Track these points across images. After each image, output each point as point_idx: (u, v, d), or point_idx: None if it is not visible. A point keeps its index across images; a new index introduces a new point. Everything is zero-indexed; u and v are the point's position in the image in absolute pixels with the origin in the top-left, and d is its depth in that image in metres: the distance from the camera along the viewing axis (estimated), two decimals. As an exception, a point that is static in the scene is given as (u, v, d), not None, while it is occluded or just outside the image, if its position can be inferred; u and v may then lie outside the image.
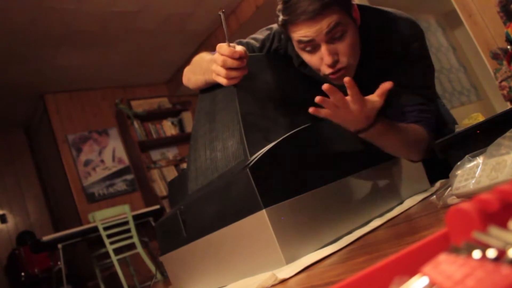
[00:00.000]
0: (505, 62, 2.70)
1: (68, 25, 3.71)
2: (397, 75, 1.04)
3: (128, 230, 3.55)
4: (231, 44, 0.85)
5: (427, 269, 0.25)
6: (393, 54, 1.02)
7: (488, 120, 0.78)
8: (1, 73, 4.08)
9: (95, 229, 3.47)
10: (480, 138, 0.76)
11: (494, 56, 2.84)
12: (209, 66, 0.93)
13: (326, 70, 0.96)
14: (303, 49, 0.97)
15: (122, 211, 3.56)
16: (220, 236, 0.80)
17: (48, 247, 3.51)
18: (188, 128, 5.49)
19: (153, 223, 3.95)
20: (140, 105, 5.38)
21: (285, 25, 0.96)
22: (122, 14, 3.83)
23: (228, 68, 0.84)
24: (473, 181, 0.62)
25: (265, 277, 0.63)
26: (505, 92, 2.72)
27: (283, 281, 0.61)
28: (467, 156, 0.68)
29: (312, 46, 0.94)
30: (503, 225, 0.25)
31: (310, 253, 0.72)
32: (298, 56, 1.05)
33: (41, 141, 5.23)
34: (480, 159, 0.64)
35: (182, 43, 4.74)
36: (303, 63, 1.08)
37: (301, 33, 0.92)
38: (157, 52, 4.78)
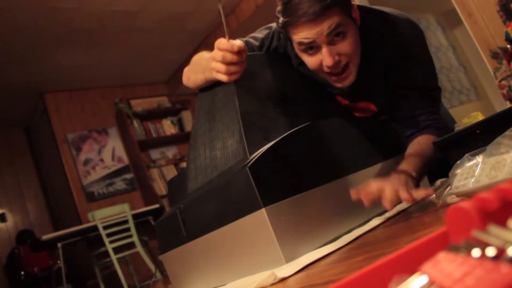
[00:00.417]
0: (504, 61, 2.70)
1: (68, 25, 3.71)
2: (402, 78, 1.04)
3: (128, 229, 3.55)
4: (230, 40, 0.85)
5: (426, 268, 0.25)
6: (394, 55, 1.02)
7: (487, 119, 0.78)
8: (1, 72, 4.08)
9: (95, 228, 3.47)
10: (480, 137, 0.76)
11: (494, 55, 2.84)
12: (209, 64, 0.93)
13: (327, 72, 0.96)
14: (304, 51, 0.96)
15: (122, 210, 3.56)
16: (220, 235, 0.80)
17: (48, 246, 3.51)
18: (188, 127, 5.49)
19: (152, 222, 3.95)
20: (139, 104, 5.38)
21: (285, 27, 0.95)
22: (122, 14, 3.83)
23: (228, 64, 0.84)
24: (472, 180, 0.62)
25: (265, 276, 0.63)
26: (504, 91, 2.73)
27: (283, 280, 0.61)
28: (466, 155, 0.68)
29: (313, 47, 0.94)
30: (502, 223, 0.25)
31: (309, 252, 0.72)
32: (297, 56, 1.05)
33: (40, 140, 5.23)
34: (479, 158, 0.64)
35: (182, 42, 4.74)
36: (302, 62, 1.08)
37: (302, 35, 0.92)
38: (157, 51, 4.77)
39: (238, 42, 0.85)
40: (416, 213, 0.75)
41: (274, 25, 1.13)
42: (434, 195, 0.75)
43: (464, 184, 0.63)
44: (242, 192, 0.73)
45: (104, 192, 4.78)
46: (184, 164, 5.25)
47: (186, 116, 5.54)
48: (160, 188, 5.00)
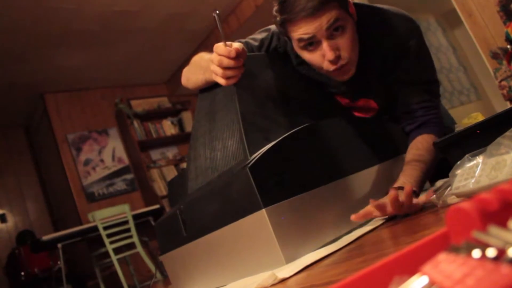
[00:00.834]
0: (504, 62, 2.70)
1: (68, 25, 3.71)
2: (399, 73, 1.04)
3: (128, 230, 3.55)
4: (228, 43, 0.85)
5: (426, 269, 0.25)
6: (391, 50, 1.02)
7: (487, 120, 0.78)
8: (1, 73, 4.08)
9: (95, 228, 3.47)
10: (480, 138, 0.75)
11: (494, 56, 2.84)
12: (209, 65, 0.93)
13: (330, 67, 0.96)
14: (304, 48, 0.97)
15: (122, 211, 3.56)
16: (220, 235, 0.80)
17: (48, 247, 3.51)
18: (188, 127, 5.49)
19: (153, 223, 3.95)
20: (140, 105, 5.38)
21: (284, 25, 0.95)
22: (122, 14, 3.83)
23: (225, 68, 0.84)
24: (472, 181, 0.62)
25: (265, 276, 0.63)
26: (504, 91, 2.73)
27: (283, 280, 0.61)
28: (467, 155, 0.68)
29: (313, 43, 0.94)
30: (502, 224, 0.25)
31: (309, 252, 0.72)
32: (297, 56, 1.05)
33: (41, 140, 5.23)
34: (479, 159, 0.64)
35: (182, 43, 4.74)
36: (301, 62, 1.08)
37: (301, 31, 0.92)
38: (157, 52, 4.77)
39: (237, 45, 0.85)
40: (416, 214, 0.75)
41: (273, 26, 1.13)
42: (434, 195, 0.75)
43: (465, 185, 0.63)
44: (243, 192, 0.73)
45: (104, 192, 4.78)
46: (184, 165, 5.25)
47: (186, 116, 5.54)
48: (160, 188, 5.00)
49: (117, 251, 3.50)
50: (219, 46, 0.84)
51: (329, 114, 1.06)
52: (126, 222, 3.55)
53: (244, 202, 0.73)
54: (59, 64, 4.31)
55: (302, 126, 0.86)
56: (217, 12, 0.82)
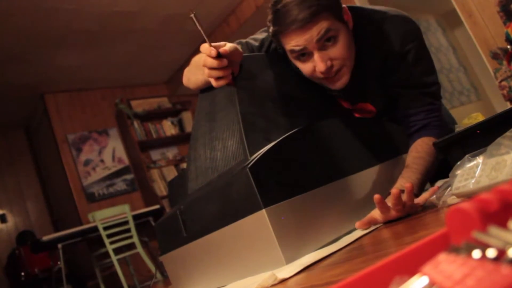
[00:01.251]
0: (505, 62, 2.70)
1: (68, 25, 3.71)
2: (399, 76, 1.03)
3: (128, 230, 3.55)
4: (214, 44, 0.83)
5: (427, 269, 0.25)
6: (390, 53, 1.02)
7: (488, 120, 0.78)
8: (1, 73, 4.08)
9: (95, 229, 3.47)
10: (480, 138, 0.75)
11: (494, 56, 2.84)
12: None
13: (321, 78, 0.96)
14: (296, 58, 0.97)
15: (122, 211, 3.56)
16: (220, 236, 0.80)
17: (48, 247, 3.51)
18: (188, 128, 5.49)
19: (153, 223, 3.95)
20: (140, 105, 5.38)
21: (276, 36, 0.96)
22: (122, 14, 3.83)
23: (211, 68, 0.82)
24: (473, 181, 0.62)
25: (265, 276, 0.63)
26: (505, 92, 2.73)
27: (283, 281, 0.61)
28: (467, 155, 0.68)
29: (305, 54, 0.94)
30: (503, 225, 0.25)
31: (310, 253, 0.72)
32: None
33: (41, 141, 5.23)
34: (480, 159, 0.64)
35: (181, 43, 4.74)
36: None
37: (292, 43, 0.92)
38: (157, 52, 4.78)
39: (229, 46, 0.83)
40: (417, 214, 0.75)
41: None
42: (434, 196, 0.75)
43: (465, 185, 0.63)
44: (243, 193, 0.73)
45: (105, 192, 4.78)
46: (184, 165, 5.25)
47: (187, 116, 5.55)
48: (161, 189, 5.00)
49: (117, 251, 3.50)
50: (203, 45, 0.83)
51: (329, 114, 1.06)
52: (126, 223, 3.55)
53: (244, 203, 0.73)
54: (59, 64, 4.31)
55: (302, 126, 0.86)
56: (194, 13, 0.81)
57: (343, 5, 0.96)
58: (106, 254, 3.57)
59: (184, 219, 0.93)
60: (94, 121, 5.03)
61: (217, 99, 0.99)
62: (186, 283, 0.99)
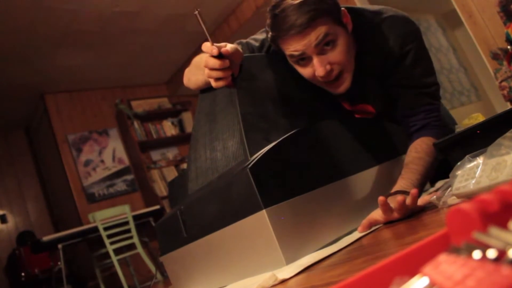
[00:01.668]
0: (505, 62, 2.70)
1: (68, 25, 3.71)
2: (399, 77, 1.03)
3: (128, 230, 3.55)
4: (216, 44, 0.83)
5: (427, 270, 0.25)
6: (390, 54, 1.01)
7: (488, 120, 0.78)
8: (1, 73, 4.08)
9: (95, 229, 3.47)
10: (480, 138, 0.75)
11: (494, 56, 2.84)
12: None
13: (322, 82, 0.96)
14: (296, 63, 0.97)
15: (122, 211, 3.56)
16: (220, 236, 0.80)
17: (48, 247, 3.51)
18: (188, 128, 5.49)
19: (153, 223, 3.95)
20: (140, 105, 5.38)
21: (275, 41, 0.96)
22: (122, 15, 3.83)
23: (212, 69, 0.82)
24: (473, 182, 0.62)
25: (265, 277, 0.63)
26: (505, 92, 2.72)
27: (283, 281, 0.61)
28: (467, 156, 0.67)
29: (304, 58, 0.94)
30: (503, 225, 0.25)
31: (310, 253, 0.72)
32: None
33: (41, 141, 5.23)
34: (480, 159, 0.64)
35: (182, 44, 4.75)
36: None
37: (291, 48, 0.92)
38: (157, 52, 4.78)
39: (229, 46, 0.83)
40: (417, 215, 0.75)
41: None
42: (435, 196, 0.75)
43: (465, 186, 0.63)
44: (243, 193, 0.73)
45: (105, 193, 4.78)
46: (184, 165, 5.25)
47: (187, 117, 5.55)
48: (161, 189, 5.00)
49: (117, 251, 3.50)
50: (205, 44, 0.82)
51: (329, 115, 1.06)
52: (127, 223, 3.55)
53: (245, 203, 0.73)
54: (59, 64, 4.31)
55: (303, 127, 0.86)
56: (198, 10, 0.81)
57: (342, 8, 0.96)
58: (106, 255, 3.57)
59: (184, 220, 0.93)
60: (94, 121, 5.03)
61: (218, 100, 0.99)
62: (186, 283, 0.99)
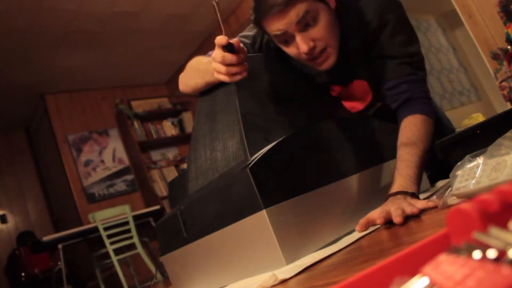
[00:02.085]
0: (505, 62, 2.70)
1: (68, 25, 3.72)
2: (379, 47, 1.02)
3: (129, 231, 3.55)
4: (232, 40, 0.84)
5: (427, 270, 0.25)
6: (371, 26, 1.01)
7: (488, 120, 0.78)
8: (1, 73, 4.09)
9: (95, 229, 3.47)
10: (481, 138, 0.76)
11: (494, 57, 2.84)
12: (209, 68, 0.92)
13: (307, 58, 0.97)
14: (281, 43, 0.98)
15: (122, 212, 3.56)
16: (221, 236, 0.80)
17: (48, 247, 3.51)
18: (188, 128, 5.50)
19: (153, 224, 3.95)
20: (140, 106, 5.38)
21: (259, 23, 0.96)
22: (122, 15, 3.83)
23: (228, 64, 0.83)
24: (473, 182, 0.62)
25: (266, 277, 0.63)
26: (505, 92, 2.72)
27: (284, 281, 0.61)
28: (467, 156, 0.68)
29: (287, 38, 0.95)
30: (503, 225, 0.25)
31: (310, 253, 0.72)
32: None
33: (41, 141, 5.24)
34: (480, 160, 0.64)
35: (182, 44, 4.75)
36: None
37: (273, 27, 0.93)
38: (157, 53, 4.78)
39: (236, 40, 0.84)
40: (417, 215, 0.75)
41: None
42: (435, 196, 0.75)
43: (465, 186, 0.63)
44: (243, 193, 0.73)
45: (105, 193, 4.78)
46: (184, 165, 5.25)
47: (187, 117, 5.55)
48: (161, 189, 5.00)
49: (117, 252, 3.50)
50: (221, 39, 0.82)
51: (329, 115, 1.06)
52: (127, 223, 3.55)
53: (245, 203, 0.73)
54: (59, 64, 4.31)
55: (303, 127, 0.86)
56: (217, 1, 0.81)
57: None
58: (107, 255, 3.57)
59: (185, 220, 0.93)
60: (94, 121, 5.03)
61: (218, 100, 0.99)
62: (187, 283, 0.99)
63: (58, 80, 4.62)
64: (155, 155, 5.36)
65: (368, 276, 0.29)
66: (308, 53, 0.94)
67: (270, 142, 0.81)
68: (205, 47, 4.69)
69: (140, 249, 3.59)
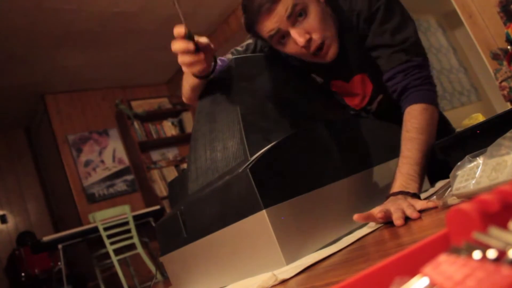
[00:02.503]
0: (505, 63, 2.70)
1: (68, 25, 3.72)
2: (372, 37, 1.01)
3: (129, 231, 3.55)
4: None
5: (427, 270, 0.25)
6: (362, 17, 1.00)
7: (488, 121, 0.78)
8: (1, 73, 4.09)
9: (95, 229, 3.47)
10: (481, 139, 0.75)
11: (494, 57, 2.84)
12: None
13: (307, 53, 0.96)
14: (278, 43, 0.97)
15: (122, 212, 3.56)
16: (221, 236, 0.80)
17: (48, 248, 3.51)
18: (188, 128, 5.50)
19: (153, 224, 3.95)
20: (140, 106, 5.38)
21: (251, 29, 0.96)
22: (122, 15, 3.83)
23: (181, 52, 0.82)
24: (473, 182, 0.62)
25: (266, 277, 0.63)
26: (505, 92, 2.72)
27: (284, 281, 0.61)
28: (467, 156, 0.67)
29: (282, 36, 0.94)
30: (503, 225, 0.25)
31: (310, 253, 0.72)
32: None
33: (41, 141, 5.24)
34: (480, 160, 0.64)
35: (182, 44, 4.74)
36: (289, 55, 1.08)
37: (266, 29, 0.93)
38: (157, 53, 4.78)
39: (203, 40, 0.85)
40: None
41: None
42: (435, 196, 0.75)
43: (465, 186, 0.63)
44: (243, 193, 0.73)
45: (105, 193, 4.78)
46: (184, 166, 5.25)
47: (187, 117, 5.55)
48: (161, 189, 5.00)
49: (117, 252, 3.50)
50: (177, 27, 0.82)
51: (330, 115, 1.06)
52: (127, 223, 3.55)
53: (245, 203, 0.73)
54: (59, 65, 4.31)
55: (303, 127, 0.86)
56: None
57: None
58: (107, 255, 3.57)
59: (185, 220, 0.93)
60: (95, 121, 5.03)
61: (218, 100, 0.99)
62: (187, 283, 0.99)
63: (58, 80, 4.62)
64: (155, 155, 5.36)
65: (368, 276, 0.29)
66: (306, 46, 0.93)
67: (270, 142, 0.81)
68: (205, 47, 4.68)
69: (140, 249, 3.59)
